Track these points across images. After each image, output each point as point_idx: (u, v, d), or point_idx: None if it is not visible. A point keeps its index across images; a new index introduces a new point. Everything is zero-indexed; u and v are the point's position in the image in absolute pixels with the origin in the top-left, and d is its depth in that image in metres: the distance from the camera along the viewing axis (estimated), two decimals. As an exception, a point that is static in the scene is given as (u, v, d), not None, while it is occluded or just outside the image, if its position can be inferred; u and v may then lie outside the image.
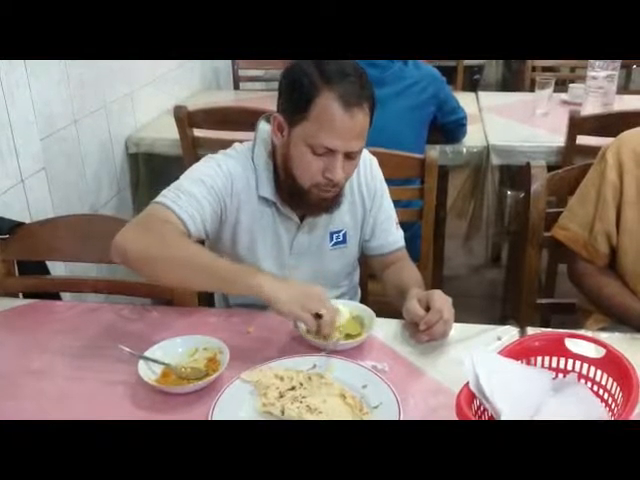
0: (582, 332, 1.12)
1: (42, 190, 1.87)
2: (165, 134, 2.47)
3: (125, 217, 2.21)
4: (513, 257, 2.61)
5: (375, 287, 1.85)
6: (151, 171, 2.63)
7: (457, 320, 1.23)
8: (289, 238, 1.39)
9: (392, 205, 1.52)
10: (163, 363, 1.14)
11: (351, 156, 1.24)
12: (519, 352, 1.03)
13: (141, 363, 1.13)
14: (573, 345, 1.04)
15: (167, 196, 1.25)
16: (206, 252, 1.20)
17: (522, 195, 2.42)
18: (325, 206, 1.32)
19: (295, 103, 1.21)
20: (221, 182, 1.29)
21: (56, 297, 1.55)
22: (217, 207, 1.30)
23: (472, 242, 2.84)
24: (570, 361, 1.04)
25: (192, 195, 1.25)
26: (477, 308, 2.70)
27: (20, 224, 1.45)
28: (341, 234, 1.44)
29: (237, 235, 1.36)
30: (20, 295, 1.48)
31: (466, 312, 1.25)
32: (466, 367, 0.97)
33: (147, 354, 1.15)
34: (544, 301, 1.85)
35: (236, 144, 1.39)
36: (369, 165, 1.45)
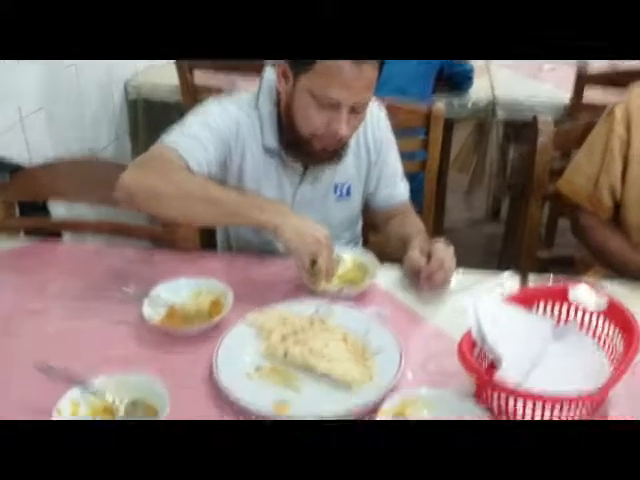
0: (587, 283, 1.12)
1: (41, 131, 1.85)
2: (166, 80, 2.43)
3: (123, 162, 2.20)
4: (513, 211, 2.60)
5: (376, 239, 1.85)
6: (150, 117, 2.59)
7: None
8: (292, 189, 1.37)
9: (398, 157, 1.49)
10: (168, 304, 1.14)
11: (357, 110, 1.21)
12: (522, 299, 1.04)
13: (145, 303, 1.13)
14: (576, 294, 1.05)
15: (171, 137, 1.23)
16: (212, 184, 1.18)
17: (525, 149, 2.43)
18: (327, 157, 1.30)
19: None
20: (226, 126, 1.27)
21: (57, 237, 1.54)
22: (221, 152, 1.28)
23: (473, 196, 2.84)
24: (572, 309, 1.05)
25: (196, 138, 1.23)
26: (475, 262, 2.70)
27: (20, 167, 1.44)
28: (345, 186, 1.42)
29: (242, 184, 1.34)
30: (21, 235, 1.47)
31: (464, 265, 1.25)
32: (469, 314, 0.97)
33: (151, 295, 1.15)
34: (544, 254, 1.85)
35: (241, 92, 1.37)
36: (377, 116, 1.42)
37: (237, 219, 1.18)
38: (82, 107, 2.15)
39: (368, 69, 1.15)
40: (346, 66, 1.13)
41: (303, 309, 1.15)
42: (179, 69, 2.24)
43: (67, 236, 1.57)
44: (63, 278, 1.27)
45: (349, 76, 1.14)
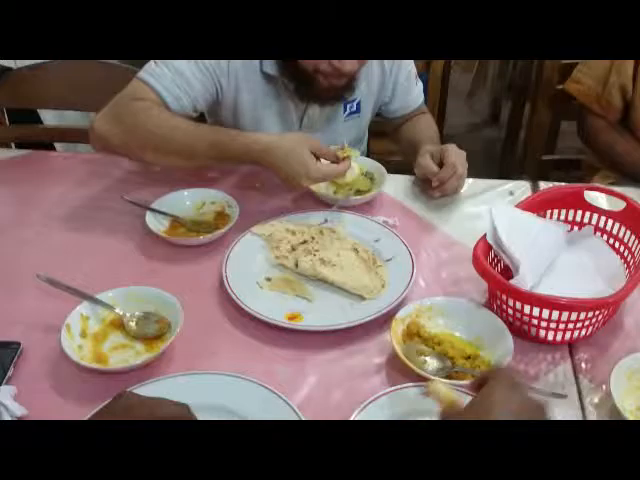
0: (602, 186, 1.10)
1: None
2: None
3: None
4: (515, 114, 2.53)
5: (378, 146, 1.80)
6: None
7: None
8: (298, 113, 1.29)
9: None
10: (172, 215, 1.11)
11: None
12: (537, 204, 1.02)
13: (149, 215, 1.10)
14: (592, 198, 1.03)
15: (152, 72, 1.12)
16: (185, 123, 1.09)
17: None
18: (334, 95, 1.20)
19: None
20: (215, 61, 1.16)
21: (49, 147, 1.48)
22: (211, 86, 1.18)
23: (474, 99, 2.76)
24: (587, 214, 1.03)
25: (180, 73, 1.12)
26: (477, 166, 2.66)
27: (8, 69, 1.36)
28: (355, 103, 1.32)
29: (238, 115, 1.26)
30: (12, 146, 1.41)
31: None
32: (486, 220, 0.95)
33: (154, 206, 1.12)
34: (550, 157, 1.82)
35: None
36: None
37: (218, 153, 1.09)
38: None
39: None
40: None
41: (312, 219, 1.12)
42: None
43: (60, 147, 1.51)
44: (60, 189, 1.23)
45: None
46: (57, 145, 1.50)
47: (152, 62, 1.13)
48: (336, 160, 1.09)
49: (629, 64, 1.42)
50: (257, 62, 1.19)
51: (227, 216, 1.13)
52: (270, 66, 1.19)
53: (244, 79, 1.20)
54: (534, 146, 1.78)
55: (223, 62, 1.17)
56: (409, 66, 1.38)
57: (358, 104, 1.33)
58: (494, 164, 2.68)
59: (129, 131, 1.07)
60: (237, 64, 1.18)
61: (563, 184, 1.08)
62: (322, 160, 1.08)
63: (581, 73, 1.52)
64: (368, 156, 1.65)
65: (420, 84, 1.43)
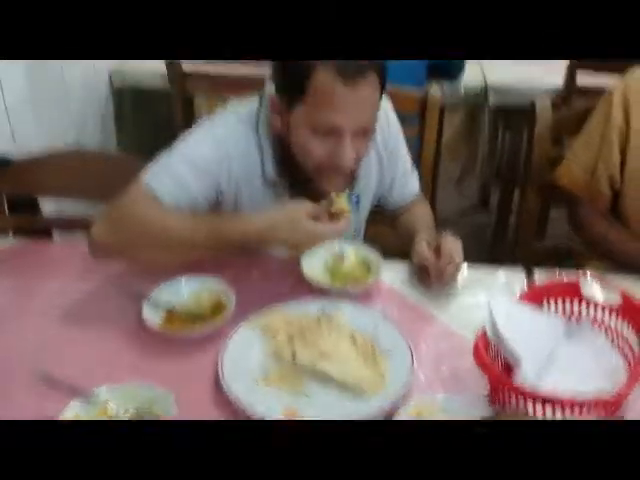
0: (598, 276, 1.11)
1: (27, 122, 1.78)
2: (151, 68, 2.35)
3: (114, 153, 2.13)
4: (504, 200, 2.58)
5: (373, 230, 1.81)
6: (136, 106, 2.53)
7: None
8: None
9: (406, 149, 1.41)
10: (167, 306, 1.11)
11: (362, 135, 1.10)
12: (534, 296, 1.02)
13: (145, 307, 1.09)
14: (589, 291, 1.03)
15: (153, 176, 1.12)
16: (182, 217, 1.10)
17: (518, 138, 2.41)
18: (336, 189, 1.16)
19: (290, 84, 1.08)
20: (217, 167, 1.15)
21: (48, 236, 1.48)
22: (211, 191, 1.17)
23: (463, 184, 2.82)
24: (584, 306, 1.02)
25: (180, 178, 1.12)
26: (467, 252, 2.68)
27: (8, 161, 1.38)
28: (354, 197, 1.32)
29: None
30: (10, 235, 1.41)
31: None
32: (485, 314, 0.95)
33: (150, 297, 1.11)
34: (541, 244, 1.84)
35: (235, 107, 1.22)
36: (384, 116, 1.29)
37: (217, 241, 1.09)
38: (67, 97, 2.08)
39: (363, 88, 1.04)
40: (338, 87, 1.02)
41: (308, 308, 1.12)
42: (165, 56, 2.18)
43: (57, 235, 1.51)
44: (57, 279, 1.23)
45: (343, 97, 1.03)
46: (55, 234, 1.50)
47: (153, 167, 1.14)
48: (332, 218, 1.08)
49: (615, 154, 1.45)
50: (258, 166, 1.19)
51: (223, 305, 1.12)
52: (272, 171, 1.19)
53: (245, 184, 1.20)
54: (525, 234, 1.80)
55: (224, 166, 1.16)
56: (405, 160, 1.41)
57: (357, 197, 1.34)
58: (484, 249, 2.71)
59: (129, 234, 1.09)
60: (238, 170, 1.18)
61: (557, 273, 1.09)
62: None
63: (569, 162, 1.55)
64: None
65: (415, 173, 1.46)
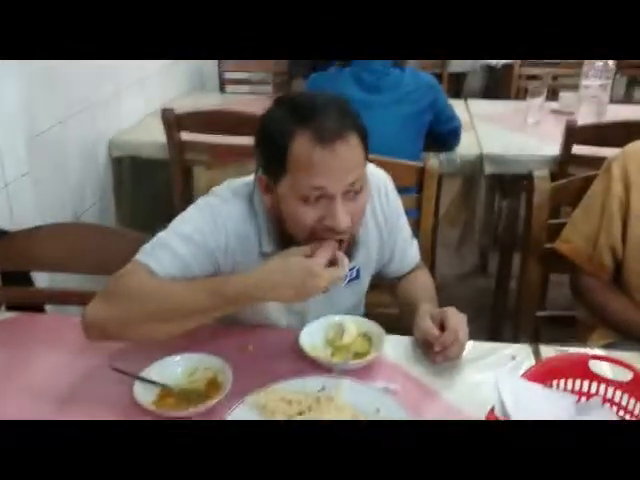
0: (605, 352, 1.09)
1: (26, 196, 1.78)
2: (150, 137, 2.40)
3: (107, 221, 2.14)
4: (503, 266, 2.58)
5: (374, 298, 1.79)
6: (135, 175, 2.55)
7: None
8: None
9: (406, 221, 1.41)
10: (161, 384, 1.07)
11: (352, 195, 1.08)
12: (542, 374, 0.98)
13: (137, 385, 1.05)
14: (598, 367, 1.00)
15: (150, 255, 1.11)
16: (184, 283, 1.08)
17: (515, 205, 2.42)
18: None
19: (272, 159, 1.08)
20: (214, 239, 1.15)
21: (40, 309, 1.46)
22: (209, 266, 1.15)
23: (462, 250, 2.82)
24: (594, 384, 1.00)
25: (178, 256, 1.11)
26: (467, 317, 2.66)
27: (4, 232, 1.37)
28: (354, 271, 1.30)
29: None
30: (3, 307, 1.39)
31: None
32: (491, 386, 0.92)
33: (143, 374, 1.07)
34: (544, 313, 1.81)
35: (231, 183, 1.23)
36: (384, 188, 1.31)
37: (214, 302, 1.05)
38: (66, 168, 2.10)
39: (343, 148, 1.03)
40: (316, 152, 1.02)
41: (308, 386, 1.08)
42: (166, 126, 2.21)
43: (50, 308, 1.49)
44: (48, 355, 1.19)
45: (323, 160, 1.03)
46: (48, 307, 1.47)
47: (148, 245, 1.13)
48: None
49: (617, 224, 1.44)
50: (255, 241, 1.18)
51: (219, 383, 1.08)
52: (269, 245, 1.18)
53: (242, 259, 1.18)
54: (526, 303, 1.78)
55: (222, 242, 1.15)
56: (404, 230, 1.39)
57: (358, 271, 1.31)
58: (485, 313, 2.69)
59: (126, 307, 1.06)
60: (235, 245, 1.17)
61: (567, 351, 1.06)
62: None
63: (570, 232, 1.54)
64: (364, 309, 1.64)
65: (415, 242, 1.45)
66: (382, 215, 1.31)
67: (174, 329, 1.08)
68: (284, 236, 1.16)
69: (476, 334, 1.21)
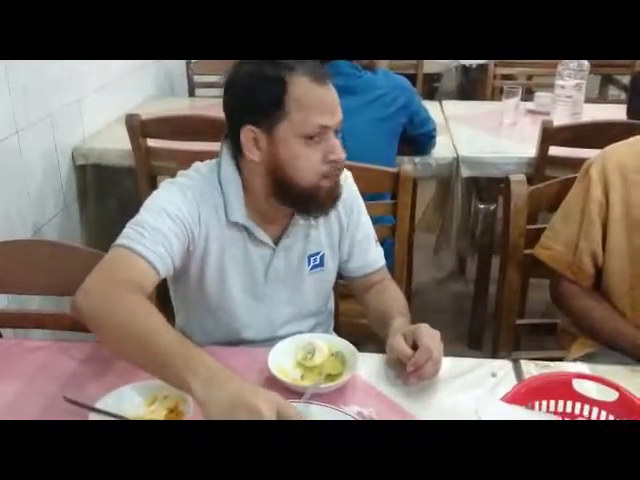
0: (586, 364, 1.04)
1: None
2: (116, 144, 2.31)
3: (72, 232, 2.05)
4: (482, 271, 2.53)
5: (347, 307, 1.74)
6: (100, 183, 2.47)
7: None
8: (264, 265, 1.26)
9: (370, 222, 1.42)
10: (116, 416, 0.99)
11: (337, 132, 1.17)
12: (524, 396, 0.93)
13: (92, 416, 0.98)
14: (581, 387, 0.95)
15: (130, 236, 1.11)
16: (157, 326, 0.98)
17: (493, 208, 2.38)
18: (336, 195, 1.21)
19: (265, 106, 1.12)
20: (187, 210, 1.16)
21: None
22: (184, 238, 1.16)
23: (439, 254, 2.77)
24: (578, 404, 0.95)
25: (157, 229, 1.11)
26: (445, 322, 2.63)
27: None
28: (318, 257, 1.32)
29: (205, 267, 1.23)
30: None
31: (435, 327, 1.15)
32: (470, 415, 0.86)
33: (98, 405, 1.00)
34: (524, 322, 1.77)
35: (197, 164, 1.26)
36: (344, 180, 1.33)
37: (163, 372, 0.95)
38: (25, 179, 2.00)
39: (332, 87, 1.15)
40: (315, 89, 1.12)
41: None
42: (131, 133, 2.13)
43: (8, 331, 1.40)
44: (3, 380, 1.11)
45: (322, 97, 1.13)
46: (5, 331, 1.38)
47: (127, 228, 1.13)
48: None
49: (597, 229, 1.40)
50: (223, 212, 1.20)
51: (180, 413, 1.01)
52: (237, 213, 1.20)
53: (213, 228, 1.20)
54: (505, 311, 1.73)
55: (194, 211, 1.17)
56: (366, 227, 1.39)
57: (322, 257, 1.32)
58: (464, 319, 2.65)
59: (107, 310, 1.00)
60: (206, 213, 1.19)
61: (548, 366, 1.01)
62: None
63: (550, 239, 1.50)
64: (336, 318, 1.59)
65: (380, 249, 1.42)
66: (342, 207, 1.32)
67: (126, 357, 1.03)
68: (254, 205, 1.21)
69: (455, 341, 1.17)
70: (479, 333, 2.54)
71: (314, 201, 1.18)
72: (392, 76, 2.04)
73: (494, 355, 1.68)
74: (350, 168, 1.43)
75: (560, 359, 1.40)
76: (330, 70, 1.92)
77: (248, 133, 1.14)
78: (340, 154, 1.15)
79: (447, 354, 1.16)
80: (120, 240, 1.11)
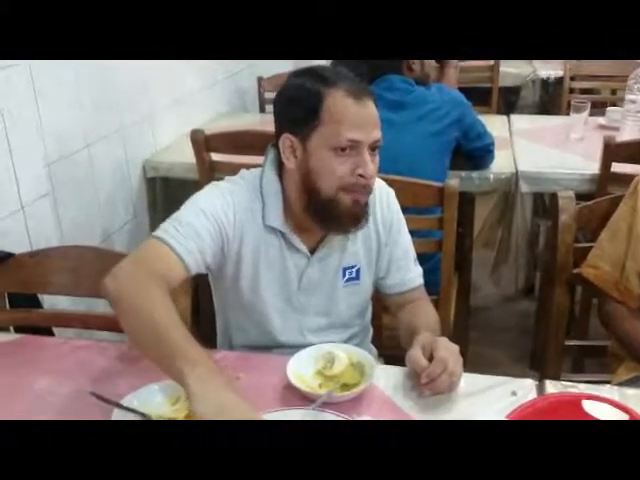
0: (605, 392, 1.00)
1: (45, 217, 1.82)
2: (183, 158, 2.42)
3: (140, 241, 2.16)
4: (542, 291, 2.46)
5: (390, 321, 1.74)
6: (168, 195, 2.59)
7: (486, 354, 1.11)
8: (298, 272, 1.30)
9: (410, 240, 1.42)
10: (138, 413, 1.05)
11: (374, 150, 1.19)
12: (529, 414, 0.92)
13: (116, 413, 1.04)
14: (592, 408, 0.92)
15: (166, 230, 1.18)
16: (173, 324, 1.02)
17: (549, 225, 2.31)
18: (356, 215, 1.21)
19: (302, 116, 1.17)
20: (222, 211, 1.21)
21: (48, 330, 1.48)
22: (218, 238, 1.22)
23: (500, 272, 2.71)
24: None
25: (191, 225, 1.18)
26: (508, 341, 2.55)
27: (10, 255, 1.40)
28: (354, 270, 1.34)
29: (240, 270, 1.28)
30: (11, 329, 1.42)
31: (496, 346, 1.13)
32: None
33: (123, 402, 1.06)
34: (573, 343, 1.71)
35: (243, 171, 1.32)
36: (385, 196, 1.36)
37: (164, 361, 1.00)
38: (95, 189, 2.14)
39: (370, 104, 1.17)
40: (350, 104, 1.15)
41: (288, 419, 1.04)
42: (195, 147, 2.23)
43: (59, 331, 1.51)
44: (45, 379, 1.19)
45: (356, 113, 1.15)
46: (56, 330, 1.49)
47: (165, 222, 1.20)
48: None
49: None
50: (261, 216, 1.25)
51: (201, 414, 1.05)
52: (274, 218, 1.24)
53: (248, 232, 1.24)
54: (556, 331, 1.68)
55: (230, 213, 1.22)
56: (406, 245, 1.39)
57: (357, 271, 1.34)
58: (529, 338, 2.57)
59: (131, 300, 1.06)
60: (242, 217, 1.24)
61: (576, 387, 0.98)
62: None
63: (596, 257, 1.46)
64: (378, 331, 1.59)
65: (419, 269, 1.42)
66: (381, 217, 1.34)
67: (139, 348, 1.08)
68: (292, 212, 1.25)
69: (517, 361, 1.15)
70: (542, 353, 2.46)
71: (332, 215, 1.20)
72: (445, 91, 2.03)
73: (542, 376, 1.63)
74: (395, 182, 1.45)
75: (608, 382, 1.35)
76: (383, 85, 1.99)
77: (286, 141, 1.19)
78: (368, 170, 1.16)
79: (503, 374, 1.16)
80: (156, 232, 1.18)
